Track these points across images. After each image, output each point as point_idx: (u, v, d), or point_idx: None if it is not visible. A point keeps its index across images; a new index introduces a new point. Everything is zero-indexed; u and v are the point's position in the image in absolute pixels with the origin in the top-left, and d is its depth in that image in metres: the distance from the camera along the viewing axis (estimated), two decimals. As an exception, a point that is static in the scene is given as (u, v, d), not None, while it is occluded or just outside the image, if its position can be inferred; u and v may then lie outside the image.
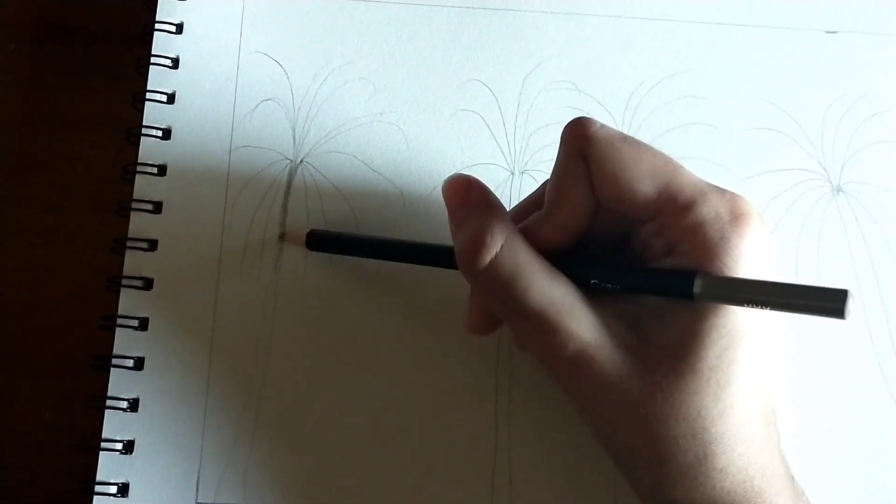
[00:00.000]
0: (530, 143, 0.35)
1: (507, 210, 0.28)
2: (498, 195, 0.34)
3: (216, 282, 0.33)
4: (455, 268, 0.27)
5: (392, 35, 0.36)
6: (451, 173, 0.29)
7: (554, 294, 0.25)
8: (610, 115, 0.35)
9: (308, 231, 0.33)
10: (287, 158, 0.35)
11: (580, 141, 0.25)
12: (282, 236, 0.34)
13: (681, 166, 0.26)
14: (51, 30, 0.37)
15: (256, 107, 0.35)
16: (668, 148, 0.34)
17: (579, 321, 0.25)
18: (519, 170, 0.35)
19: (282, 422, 0.32)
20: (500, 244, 0.26)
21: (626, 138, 0.25)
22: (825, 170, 0.34)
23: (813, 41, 0.36)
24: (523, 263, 0.26)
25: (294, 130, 0.35)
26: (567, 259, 0.27)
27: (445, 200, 0.28)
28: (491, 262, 0.26)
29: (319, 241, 0.33)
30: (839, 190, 0.34)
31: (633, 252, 0.27)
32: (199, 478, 0.32)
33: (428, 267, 0.31)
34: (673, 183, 0.25)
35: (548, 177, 0.34)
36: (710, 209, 0.24)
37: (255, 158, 0.35)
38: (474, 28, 0.36)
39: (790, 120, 0.35)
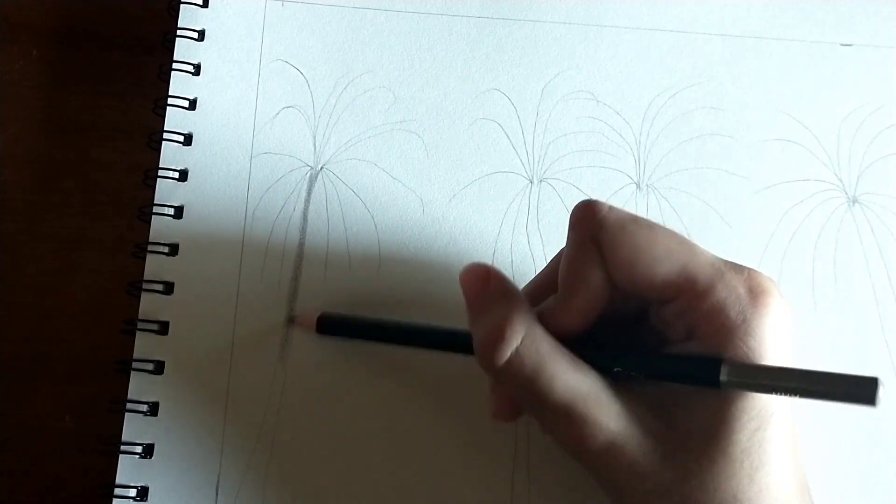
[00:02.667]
0: (549, 151, 0.35)
1: (522, 287, 0.28)
2: (517, 204, 0.34)
3: (237, 285, 0.34)
4: (472, 353, 0.27)
5: (412, 44, 0.36)
6: (469, 263, 0.28)
7: (580, 386, 0.25)
8: (628, 125, 0.35)
9: (318, 315, 0.33)
10: (307, 165, 0.35)
11: (591, 226, 0.25)
12: (291, 320, 0.33)
13: (695, 245, 0.25)
14: (73, 36, 0.37)
15: (277, 114, 0.35)
16: (686, 158, 0.35)
17: (607, 412, 0.25)
18: (538, 178, 0.35)
19: (301, 434, 0.32)
20: (520, 337, 0.25)
21: (636, 220, 0.25)
22: (841, 181, 0.35)
23: (828, 54, 0.36)
24: (546, 356, 0.25)
25: (315, 138, 0.35)
26: (587, 345, 0.26)
27: (463, 289, 0.27)
28: (511, 356, 0.25)
29: (330, 325, 0.32)
30: (855, 201, 0.35)
31: (652, 330, 0.27)
32: (218, 481, 0.32)
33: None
34: (689, 264, 0.24)
35: (566, 186, 0.35)
36: (728, 290, 0.24)
37: (275, 165, 0.35)
38: (493, 38, 0.36)
39: (806, 131, 0.35)
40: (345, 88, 0.36)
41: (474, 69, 0.36)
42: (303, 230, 0.34)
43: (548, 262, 0.31)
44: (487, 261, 0.34)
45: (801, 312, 0.34)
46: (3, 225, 0.35)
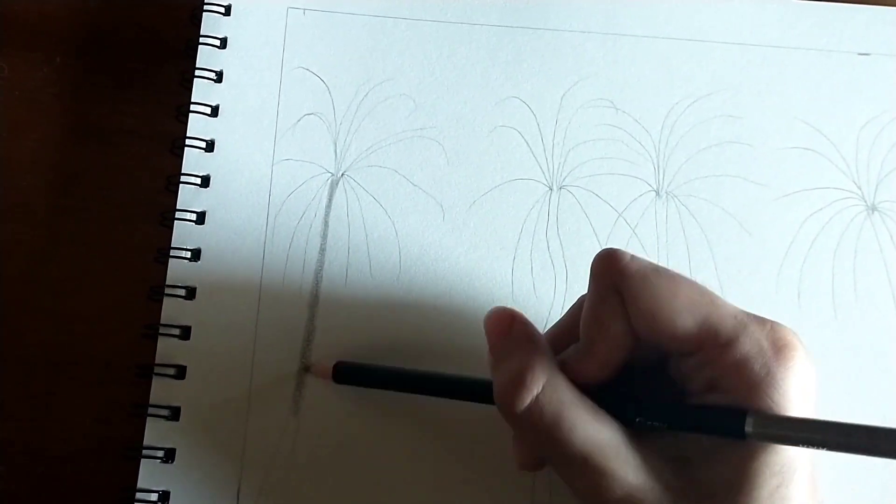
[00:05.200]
0: (568, 159, 0.35)
1: (543, 332, 0.28)
2: (536, 210, 0.35)
3: (259, 290, 0.34)
4: (491, 402, 0.26)
5: (432, 52, 0.37)
6: (494, 306, 0.28)
7: (600, 436, 0.24)
8: (647, 133, 0.35)
9: (335, 363, 0.32)
10: (328, 172, 0.35)
11: (613, 276, 0.25)
12: (307, 369, 0.33)
13: (717, 297, 0.25)
14: (96, 43, 0.38)
15: (299, 121, 0.36)
16: (705, 166, 0.35)
17: (626, 464, 0.24)
18: (557, 186, 0.35)
19: (324, 430, 0.33)
20: (541, 384, 0.25)
21: (658, 270, 0.25)
22: (860, 189, 0.35)
23: (846, 63, 0.36)
24: (566, 404, 0.25)
25: (336, 144, 0.36)
26: (608, 394, 0.26)
27: (486, 334, 0.27)
28: (531, 403, 0.25)
29: (347, 373, 0.32)
30: (874, 209, 0.35)
31: (673, 379, 0.27)
32: (239, 486, 0.32)
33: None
34: (712, 316, 0.24)
35: (586, 193, 0.35)
36: (752, 343, 0.24)
37: (296, 171, 0.35)
38: (513, 46, 0.37)
39: (825, 140, 0.35)
40: (366, 96, 0.36)
41: (494, 77, 0.36)
42: (324, 236, 0.35)
43: (581, 270, 0.31)
44: (508, 268, 0.34)
45: (821, 321, 0.34)
46: (25, 230, 0.35)
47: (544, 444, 0.25)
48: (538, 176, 0.35)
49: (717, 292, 0.33)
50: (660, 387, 0.27)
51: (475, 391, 0.29)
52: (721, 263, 0.34)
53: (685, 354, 0.25)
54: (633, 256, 0.25)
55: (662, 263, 0.33)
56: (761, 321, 0.24)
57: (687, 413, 0.25)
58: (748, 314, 0.25)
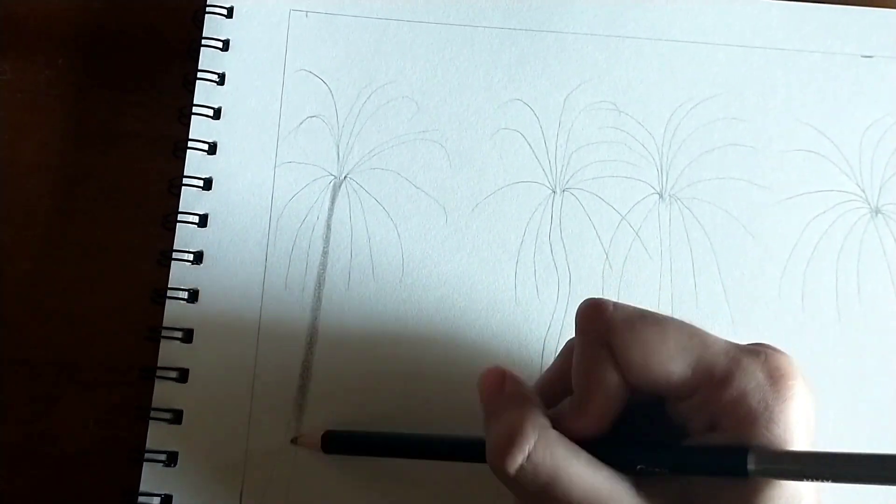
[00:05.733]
0: (571, 161, 0.35)
1: (534, 383, 0.27)
2: (539, 213, 0.35)
3: (261, 292, 0.34)
4: (485, 461, 0.26)
5: (435, 55, 0.36)
6: (488, 367, 0.27)
7: (600, 488, 0.24)
8: (650, 136, 0.35)
9: (323, 433, 0.32)
10: (331, 174, 0.35)
11: (599, 328, 0.25)
12: (294, 441, 0.32)
13: (706, 334, 0.24)
14: (98, 45, 0.37)
15: (301, 123, 0.36)
16: (709, 169, 0.35)
17: None
18: (560, 188, 0.35)
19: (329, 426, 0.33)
20: (532, 441, 0.24)
21: (645, 316, 0.25)
22: (863, 192, 0.35)
23: (849, 65, 0.36)
24: (561, 460, 0.24)
25: (338, 147, 0.35)
26: (606, 444, 0.25)
27: (479, 393, 0.27)
28: (523, 462, 0.24)
29: (336, 443, 0.32)
30: (878, 212, 0.35)
31: (671, 422, 0.26)
32: (242, 490, 0.32)
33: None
34: (704, 357, 0.24)
35: (589, 196, 0.35)
36: (748, 378, 0.23)
37: (299, 174, 0.35)
38: (516, 49, 0.37)
39: (828, 142, 0.35)
40: (368, 98, 0.36)
41: (497, 79, 0.36)
42: (326, 239, 0.34)
43: (584, 272, 0.31)
44: (511, 271, 0.34)
45: (825, 323, 0.34)
46: (28, 232, 0.35)
47: (544, 503, 0.24)
48: (541, 178, 0.35)
49: (721, 295, 0.34)
50: (658, 432, 0.26)
51: (467, 451, 0.28)
52: (724, 266, 0.34)
53: (682, 398, 0.25)
54: (615, 305, 0.25)
55: (666, 266, 0.34)
56: (755, 353, 0.24)
57: (688, 455, 0.25)
58: (740, 348, 0.24)
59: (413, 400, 0.33)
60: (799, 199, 0.35)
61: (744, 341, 0.25)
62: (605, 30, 0.37)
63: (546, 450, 0.24)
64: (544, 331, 0.33)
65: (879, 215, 0.35)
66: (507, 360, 0.33)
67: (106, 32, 0.38)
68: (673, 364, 0.24)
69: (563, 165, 0.35)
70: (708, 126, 0.36)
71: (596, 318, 0.25)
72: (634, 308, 0.25)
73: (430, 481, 0.32)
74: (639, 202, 0.35)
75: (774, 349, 0.24)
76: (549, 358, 0.33)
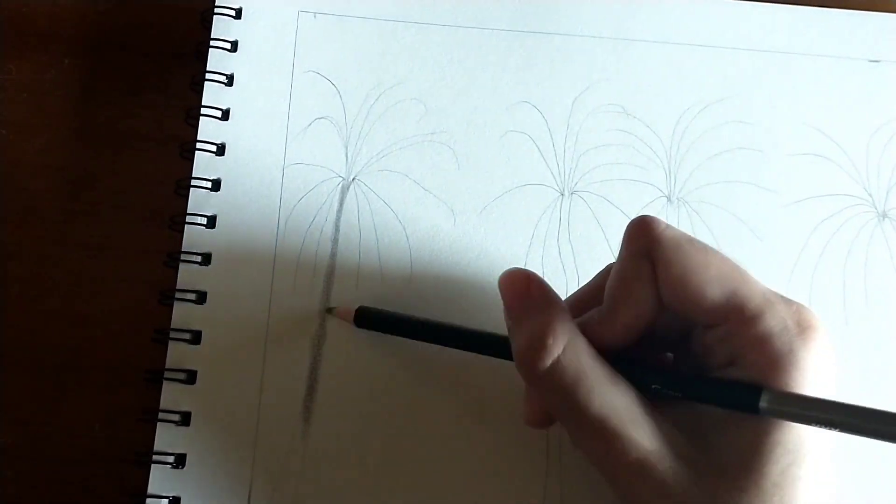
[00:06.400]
0: (579, 164, 0.35)
1: (564, 298, 0.28)
2: (547, 216, 0.35)
3: (269, 295, 0.34)
4: (508, 358, 0.27)
5: (443, 57, 0.36)
6: (508, 267, 0.28)
7: (616, 402, 0.25)
8: (658, 139, 0.35)
9: (357, 308, 0.33)
10: (339, 176, 0.35)
11: (646, 241, 0.25)
12: (329, 311, 0.33)
13: (748, 273, 0.25)
14: (105, 46, 0.37)
15: (309, 125, 0.36)
16: (716, 172, 0.35)
17: (641, 430, 0.24)
18: (568, 190, 0.35)
19: (334, 439, 0.32)
20: (562, 346, 0.25)
21: (692, 241, 0.25)
22: (871, 195, 0.35)
23: (856, 69, 0.36)
24: (586, 368, 0.25)
25: (346, 148, 0.35)
26: (628, 360, 0.26)
27: (502, 294, 0.27)
28: (552, 364, 0.25)
29: (368, 318, 0.33)
30: (884, 216, 0.35)
31: (693, 353, 0.27)
32: (250, 492, 0.32)
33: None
34: (740, 290, 0.24)
35: (597, 198, 0.35)
36: (777, 321, 0.24)
37: (307, 175, 0.35)
38: (523, 51, 0.37)
39: (835, 146, 0.35)
40: (376, 100, 0.36)
41: (505, 82, 0.36)
42: (335, 240, 0.34)
43: (592, 275, 0.31)
44: (519, 272, 0.34)
45: (832, 327, 0.34)
46: (35, 233, 0.35)
47: (561, 405, 0.25)
48: (549, 181, 0.35)
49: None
50: (678, 359, 0.27)
51: (494, 346, 0.29)
52: (732, 269, 0.34)
53: (709, 326, 0.25)
54: (668, 225, 0.25)
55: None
56: (788, 302, 0.25)
57: (703, 384, 0.25)
58: (776, 293, 0.25)
59: (422, 400, 0.33)
60: (806, 203, 0.35)
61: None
62: (613, 33, 0.37)
63: (574, 355, 0.25)
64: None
65: (886, 219, 0.35)
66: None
67: (113, 33, 0.38)
68: (710, 288, 0.24)
69: (570, 168, 0.35)
70: (716, 129, 0.36)
71: (645, 231, 0.25)
72: (685, 233, 0.26)
73: (451, 372, 0.33)
74: (647, 205, 0.35)
75: (807, 307, 0.25)
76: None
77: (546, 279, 0.34)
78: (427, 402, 0.33)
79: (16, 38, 0.37)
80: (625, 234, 0.26)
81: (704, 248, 0.25)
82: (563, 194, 0.35)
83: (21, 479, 0.33)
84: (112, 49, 0.37)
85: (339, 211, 0.35)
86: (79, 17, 0.38)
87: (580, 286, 0.31)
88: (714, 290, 0.24)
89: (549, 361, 0.25)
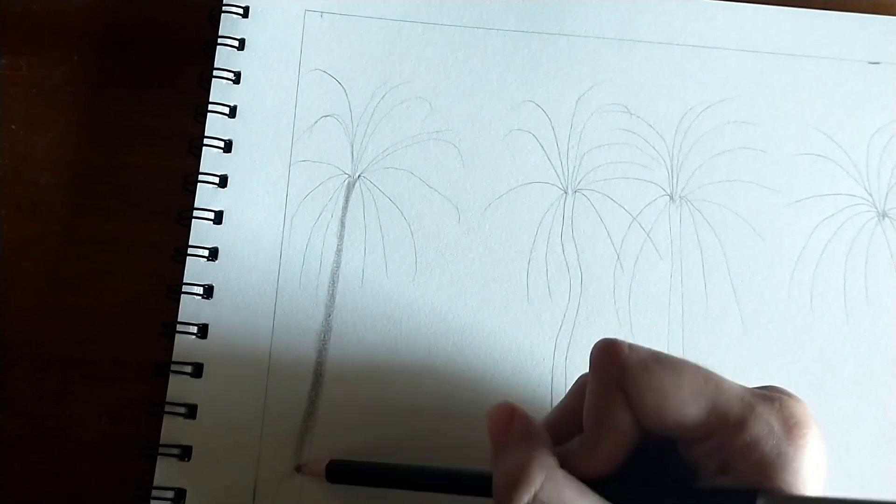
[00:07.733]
0: (583, 162, 0.36)
1: (545, 416, 0.27)
2: (551, 214, 0.35)
3: (276, 289, 0.34)
4: (491, 496, 0.26)
5: (449, 56, 0.37)
6: (496, 403, 0.27)
7: None
8: (661, 138, 0.36)
9: (328, 462, 0.32)
10: (345, 173, 0.36)
11: (614, 370, 0.25)
12: (298, 469, 0.32)
13: (721, 379, 0.24)
14: (114, 42, 0.38)
15: (316, 122, 0.36)
16: (718, 171, 0.35)
17: None
18: (572, 189, 0.35)
19: (340, 431, 0.33)
20: (539, 481, 0.24)
21: (659, 359, 0.25)
22: (871, 195, 0.35)
23: (857, 71, 0.37)
24: (568, 501, 0.24)
25: (352, 146, 0.36)
26: (615, 484, 0.25)
27: (487, 429, 0.27)
28: (529, 501, 0.24)
29: (341, 472, 0.31)
30: (885, 215, 0.35)
31: (682, 464, 0.26)
32: (256, 484, 0.32)
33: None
34: (719, 402, 0.24)
35: (600, 197, 0.35)
36: (762, 425, 0.23)
37: (313, 172, 0.35)
38: (528, 51, 0.37)
39: (836, 146, 0.36)
40: (382, 98, 0.36)
41: (509, 81, 0.37)
42: (340, 237, 0.35)
43: (595, 272, 0.31)
44: (523, 270, 0.34)
45: (833, 325, 0.34)
46: (43, 228, 0.36)
47: None
48: (553, 179, 0.36)
49: (731, 296, 0.34)
50: (669, 468, 0.26)
51: (473, 485, 0.28)
52: (734, 268, 0.34)
53: (695, 441, 0.25)
54: (631, 346, 0.25)
55: (676, 267, 0.34)
56: (769, 400, 0.24)
57: (698, 496, 0.24)
58: (754, 393, 0.24)
59: (425, 399, 0.33)
60: (807, 202, 0.35)
61: (753, 342, 0.25)
62: (617, 33, 0.37)
63: (553, 490, 0.24)
64: (556, 330, 0.34)
65: (886, 219, 0.35)
66: (518, 359, 0.33)
67: (122, 30, 0.38)
68: (687, 408, 0.24)
69: (574, 167, 0.36)
70: (718, 129, 0.36)
71: (610, 360, 0.25)
72: (649, 350, 0.25)
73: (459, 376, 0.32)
74: (650, 204, 0.35)
75: (789, 395, 0.24)
76: (561, 358, 0.34)
77: (550, 277, 0.34)
78: (434, 387, 0.33)
79: (26, 34, 0.38)
80: (591, 361, 0.26)
81: (673, 365, 0.24)
82: (566, 192, 0.35)
83: (28, 472, 0.33)
84: (121, 46, 0.38)
85: (345, 208, 0.35)
86: (88, 15, 0.38)
87: (557, 403, 0.30)
88: (692, 410, 0.24)
89: (526, 498, 0.24)
